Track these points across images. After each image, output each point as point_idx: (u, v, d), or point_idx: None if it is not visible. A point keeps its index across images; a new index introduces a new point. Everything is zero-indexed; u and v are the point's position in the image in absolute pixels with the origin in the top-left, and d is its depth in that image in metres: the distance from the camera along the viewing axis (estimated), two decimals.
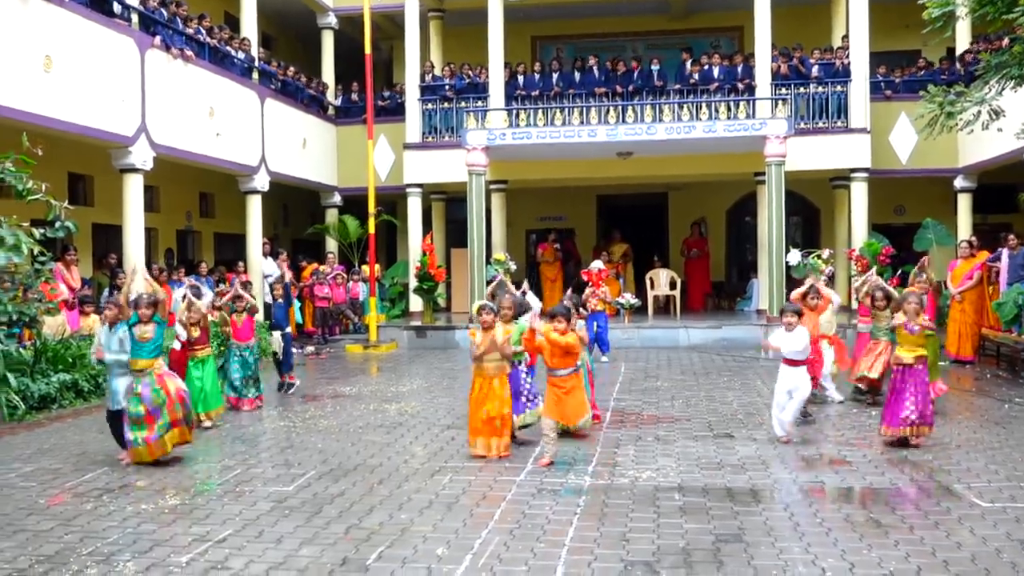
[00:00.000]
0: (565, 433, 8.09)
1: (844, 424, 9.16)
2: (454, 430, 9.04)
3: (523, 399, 8.34)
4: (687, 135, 16.93)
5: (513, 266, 17.79)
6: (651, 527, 5.81)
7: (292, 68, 20.16)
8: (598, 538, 5.61)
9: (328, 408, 10.62)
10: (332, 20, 21.48)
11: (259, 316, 16.04)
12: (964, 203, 18.71)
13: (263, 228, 18.26)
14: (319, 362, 15.56)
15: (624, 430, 8.99)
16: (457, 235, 20.35)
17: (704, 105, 17.64)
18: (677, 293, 19.00)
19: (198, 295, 10.13)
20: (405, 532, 5.78)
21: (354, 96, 21.68)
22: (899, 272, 14.55)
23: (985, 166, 17.53)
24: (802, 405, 8.38)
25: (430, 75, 20.36)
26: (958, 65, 18.70)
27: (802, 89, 18.56)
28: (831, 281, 11.22)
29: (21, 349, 10.55)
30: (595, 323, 13.68)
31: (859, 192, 18.31)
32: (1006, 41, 14.64)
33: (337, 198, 21.55)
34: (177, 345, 9.75)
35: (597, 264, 15.08)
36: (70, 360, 11.09)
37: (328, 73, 21.88)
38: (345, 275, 19.18)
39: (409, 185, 19.69)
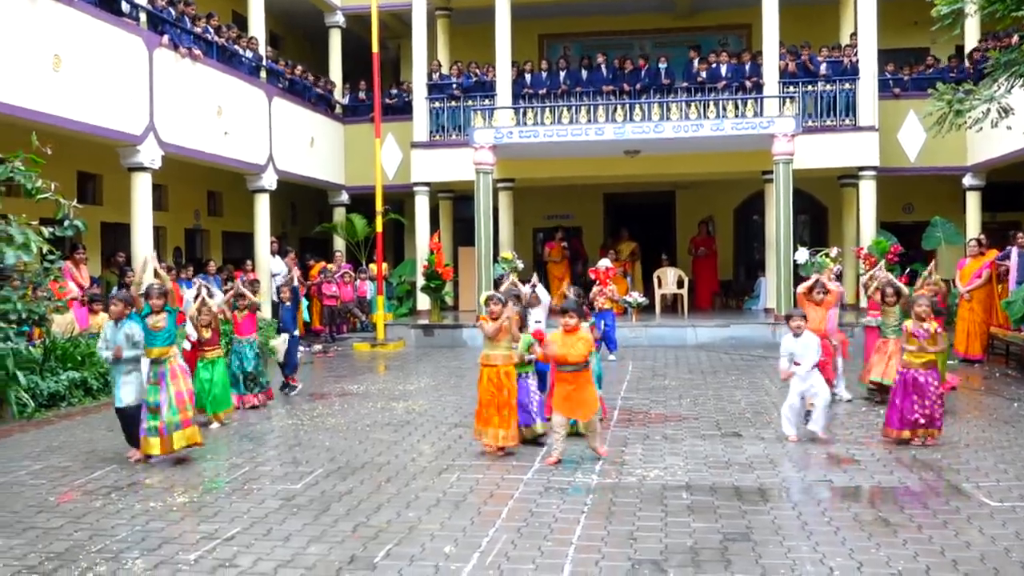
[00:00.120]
0: (573, 432, 8.06)
1: (852, 423, 9.14)
2: (461, 428, 9.05)
3: (532, 412, 8.28)
4: (695, 133, 16.91)
5: (520, 265, 17.75)
6: (659, 526, 5.81)
7: (300, 67, 20.18)
8: (605, 537, 5.61)
9: (336, 406, 10.64)
10: (340, 19, 21.51)
11: (267, 316, 16.18)
12: (973, 201, 18.64)
13: (271, 227, 18.29)
14: (327, 360, 15.59)
15: (632, 429, 8.98)
16: (464, 233, 20.37)
17: (712, 103, 17.61)
18: (685, 292, 18.97)
19: (210, 295, 10.15)
20: (413, 530, 5.79)
21: (361, 95, 21.71)
22: (907, 270, 14.51)
23: (994, 164, 17.46)
24: (827, 408, 8.33)
25: (437, 73, 20.36)
26: (967, 63, 18.64)
27: (810, 87, 18.51)
28: (839, 279, 11.17)
29: (30, 347, 10.59)
30: (603, 321, 13.66)
31: (867, 190, 18.25)
32: (1015, 39, 14.57)
33: (344, 197, 21.57)
34: (187, 345, 9.78)
35: (605, 262, 15.07)
36: (79, 358, 11.14)
37: (336, 72, 21.90)
38: (353, 273, 19.21)
39: (416, 184, 19.70)
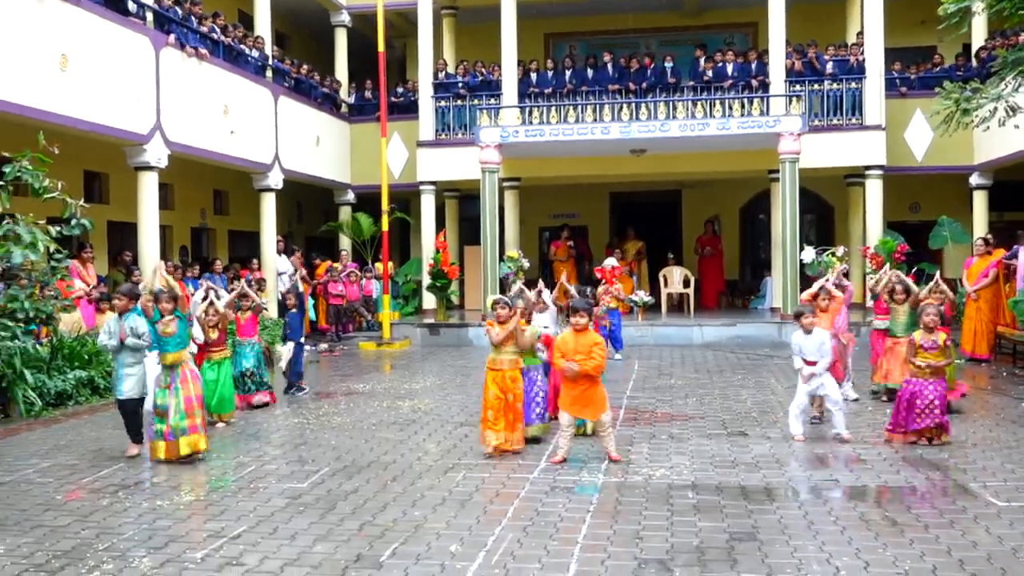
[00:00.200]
0: (580, 433, 8.06)
1: (859, 422, 9.10)
2: (467, 427, 9.05)
3: (534, 412, 8.29)
4: (701, 132, 16.88)
5: (526, 264, 17.82)
6: (665, 525, 5.80)
7: (306, 66, 20.21)
8: (611, 536, 5.61)
9: (341, 405, 10.65)
10: (346, 18, 21.53)
11: (274, 315, 16.20)
12: (980, 200, 18.60)
13: (277, 226, 18.33)
14: (332, 359, 15.60)
15: (638, 428, 8.98)
16: (470, 232, 20.38)
17: (718, 102, 17.60)
18: (691, 291, 18.96)
19: (217, 297, 10.15)
20: (419, 529, 5.79)
21: (367, 94, 21.73)
22: (914, 269, 14.48)
23: (1001, 163, 17.41)
24: (844, 409, 8.31)
25: (443, 72, 20.37)
26: (974, 61, 18.60)
27: (816, 86, 18.48)
28: (846, 276, 11.13)
29: (38, 346, 10.62)
30: (609, 321, 13.66)
31: (874, 189, 18.22)
32: (1022, 37, 14.55)
33: (350, 196, 21.60)
34: (194, 348, 9.78)
35: (611, 261, 15.07)
36: (86, 357, 11.16)
37: (341, 71, 21.93)
38: (359, 272, 19.22)
39: (422, 182, 19.71)
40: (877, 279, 11.00)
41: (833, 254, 12.36)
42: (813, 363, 8.18)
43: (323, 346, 16.97)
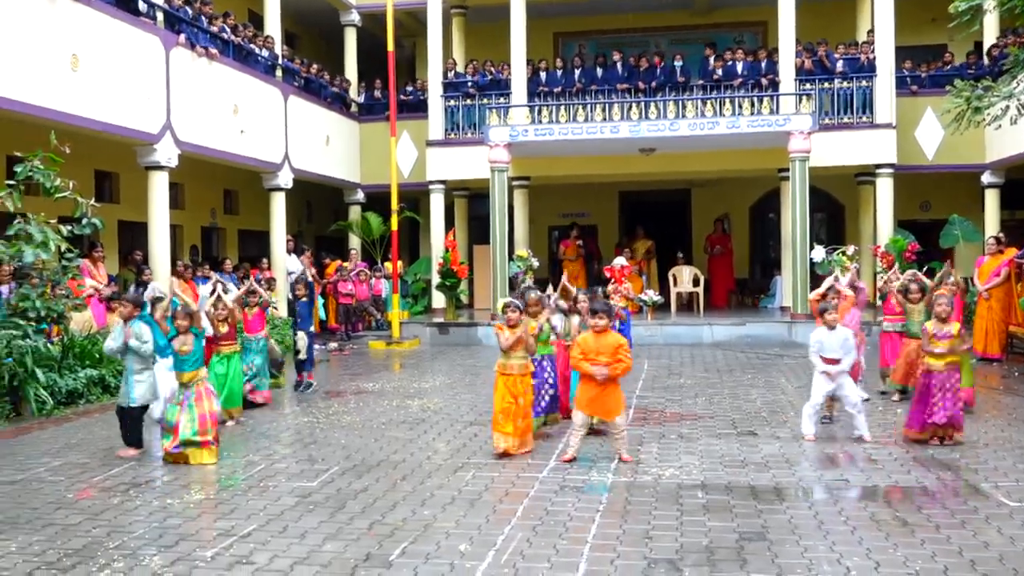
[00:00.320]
0: (590, 432, 8.05)
1: (870, 422, 9.03)
2: (477, 426, 9.05)
3: (544, 400, 8.29)
4: (710, 131, 16.85)
5: (536, 263, 17.82)
6: (674, 525, 5.79)
7: (315, 65, 20.25)
8: (621, 535, 5.60)
9: (351, 404, 10.66)
10: (355, 17, 21.56)
11: (283, 314, 16.24)
12: (991, 199, 18.50)
13: (287, 225, 18.36)
14: (342, 358, 15.63)
15: (647, 427, 8.96)
16: (480, 231, 20.39)
17: (727, 101, 17.55)
18: (700, 290, 18.93)
19: (225, 290, 10.18)
20: (428, 528, 5.79)
21: (377, 93, 21.75)
22: (925, 269, 14.42)
23: (1013, 161, 17.32)
24: (863, 410, 8.28)
25: (453, 72, 20.37)
26: (985, 59, 18.50)
27: (826, 84, 18.41)
28: (857, 274, 11.07)
29: (49, 345, 10.66)
30: (622, 315, 13.63)
31: (884, 188, 18.13)
32: None
33: (360, 195, 21.62)
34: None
35: (620, 260, 15.05)
36: (97, 356, 11.19)
37: (351, 70, 21.96)
38: (368, 272, 19.25)
39: (432, 182, 19.71)
40: (887, 279, 10.95)
41: (843, 253, 12.27)
42: (834, 361, 8.13)
43: (333, 345, 17.01)
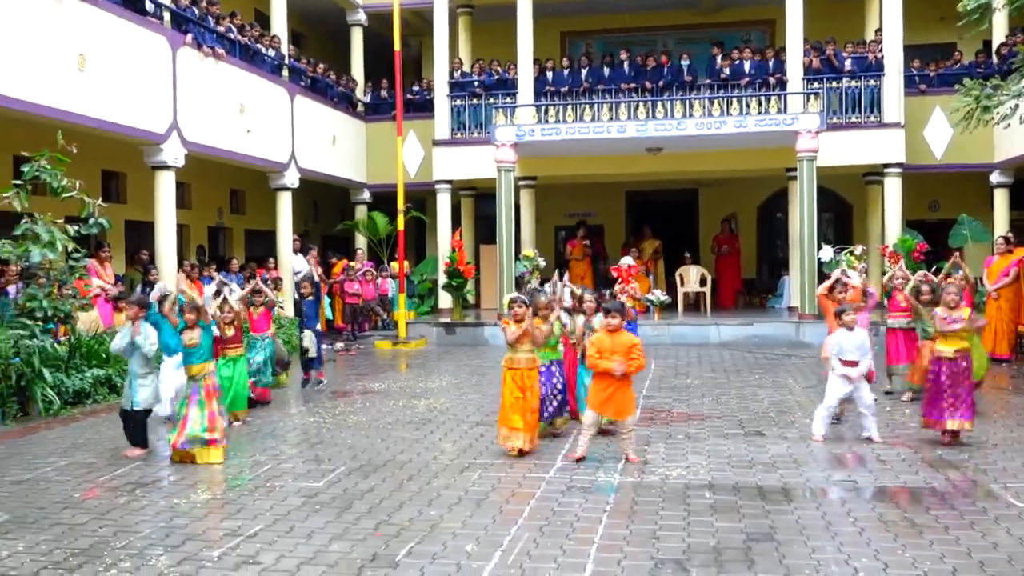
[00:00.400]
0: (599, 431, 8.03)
1: (878, 422, 9.03)
2: (483, 426, 9.04)
3: (552, 405, 8.26)
4: (718, 130, 16.80)
5: (542, 262, 17.80)
6: (681, 525, 5.77)
7: (322, 65, 20.25)
8: (628, 536, 5.58)
9: (357, 404, 10.66)
10: (362, 17, 21.56)
11: (290, 314, 16.24)
12: (1001, 198, 18.41)
13: (293, 225, 18.37)
14: (348, 358, 15.63)
15: (654, 427, 8.94)
16: (486, 231, 20.36)
17: (735, 100, 17.51)
18: (707, 290, 18.89)
19: (230, 291, 10.17)
20: (435, 528, 5.78)
21: (383, 93, 21.76)
22: (933, 269, 14.36)
23: (1022, 161, 17.24)
24: (875, 412, 8.26)
25: (459, 71, 20.36)
26: (994, 58, 18.41)
27: (834, 83, 18.35)
28: (865, 273, 11.03)
29: (56, 345, 10.68)
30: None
31: (892, 188, 18.07)
32: None
33: (366, 195, 21.63)
34: None
35: (627, 260, 15.03)
36: (104, 355, 11.21)
37: (357, 70, 21.96)
38: (374, 271, 19.25)
39: (438, 181, 19.70)
40: (892, 274, 10.90)
41: (851, 253, 12.28)
42: (852, 363, 8.08)
43: (339, 345, 17.01)
